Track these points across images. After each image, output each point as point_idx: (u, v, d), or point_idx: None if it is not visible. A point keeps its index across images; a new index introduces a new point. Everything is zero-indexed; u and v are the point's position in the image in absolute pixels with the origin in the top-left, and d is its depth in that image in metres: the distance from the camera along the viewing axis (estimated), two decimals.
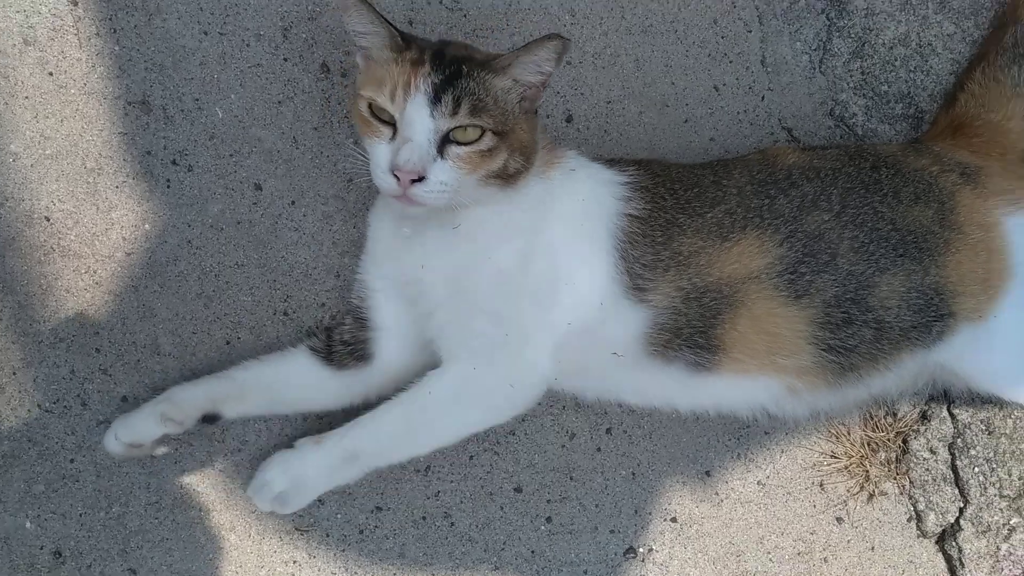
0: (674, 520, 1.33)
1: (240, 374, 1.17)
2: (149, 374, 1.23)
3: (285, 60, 1.25)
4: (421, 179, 0.98)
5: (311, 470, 1.10)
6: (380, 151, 1.01)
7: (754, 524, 1.34)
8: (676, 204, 1.12)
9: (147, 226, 1.23)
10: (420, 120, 0.98)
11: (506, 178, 1.05)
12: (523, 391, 1.10)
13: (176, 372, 1.23)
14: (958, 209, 1.14)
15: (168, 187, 1.23)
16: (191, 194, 1.23)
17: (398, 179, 0.98)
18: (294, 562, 1.25)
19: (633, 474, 1.32)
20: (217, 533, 1.24)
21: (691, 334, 1.09)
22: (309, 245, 1.26)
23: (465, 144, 1.00)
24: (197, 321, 1.24)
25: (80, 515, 1.21)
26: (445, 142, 0.99)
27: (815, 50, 1.35)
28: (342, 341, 1.19)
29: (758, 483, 1.35)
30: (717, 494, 1.34)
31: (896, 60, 1.36)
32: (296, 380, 1.18)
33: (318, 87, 1.25)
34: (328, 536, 1.26)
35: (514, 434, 1.30)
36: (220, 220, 1.24)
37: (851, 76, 1.36)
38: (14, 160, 1.19)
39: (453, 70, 1.00)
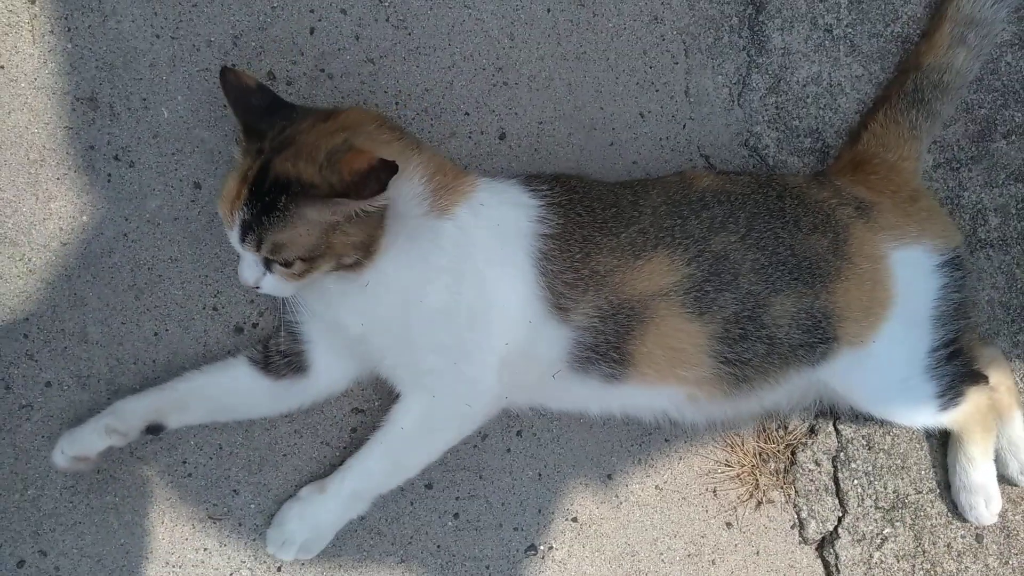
0: (575, 520, 1.41)
1: (182, 385, 1.23)
2: (75, 361, 1.27)
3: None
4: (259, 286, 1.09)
5: (324, 515, 1.23)
6: None
7: (649, 526, 1.44)
8: (593, 223, 1.21)
9: (85, 218, 1.28)
10: (238, 246, 1.08)
11: (349, 267, 1.11)
12: (479, 408, 1.21)
13: (102, 361, 1.28)
14: (851, 240, 1.25)
15: (109, 181, 1.29)
16: (131, 189, 1.29)
17: None
18: (204, 549, 1.29)
19: (539, 475, 1.41)
20: (131, 519, 1.28)
21: (607, 350, 1.18)
22: None
23: (282, 265, 1.07)
24: (127, 312, 1.29)
25: None
26: (269, 261, 1.08)
27: (735, 84, 1.48)
28: (279, 351, 1.25)
29: (656, 487, 1.44)
30: (617, 496, 1.43)
31: (808, 97, 1.49)
32: (237, 390, 1.25)
33: None
34: (240, 525, 1.30)
35: None
36: (157, 215, 1.30)
37: (766, 110, 1.49)
38: None
39: (267, 201, 1.03)
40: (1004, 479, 1.46)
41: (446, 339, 1.16)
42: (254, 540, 1.30)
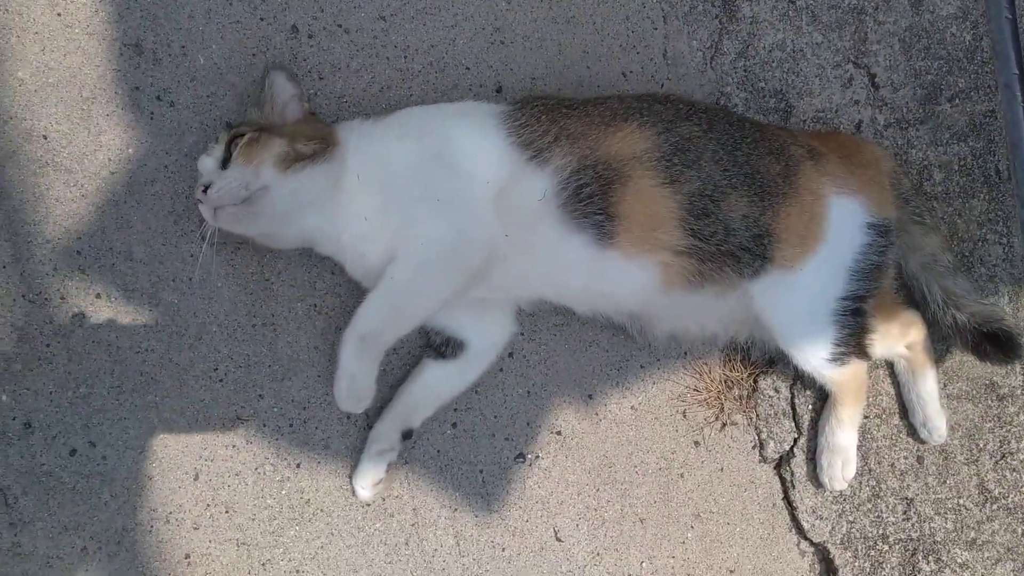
0: (559, 433, 1.59)
1: (404, 398, 1.48)
2: (121, 276, 1.44)
3: (261, 20, 1.49)
4: None
5: (347, 363, 1.28)
6: None
7: (625, 442, 1.61)
8: (559, 102, 1.39)
9: (131, 150, 1.45)
10: None
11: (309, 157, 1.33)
12: (470, 249, 1.30)
13: (145, 277, 1.44)
14: (799, 174, 1.39)
15: (151, 119, 1.45)
16: (171, 126, 1.46)
17: None
18: (233, 446, 1.47)
19: (528, 392, 1.58)
20: (169, 417, 1.45)
21: (591, 195, 1.30)
22: None
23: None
24: (167, 235, 1.46)
25: (51, 393, 1.40)
26: None
27: (708, 48, 1.64)
28: (441, 341, 1.49)
29: (632, 408, 1.62)
30: (597, 414, 1.61)
31: (773, 62, 1.66)
32: (439, 379, 1.50)
33: (287, 44, 1.50)
34: (265, 426, 1.48)
35: None
36: (194, 150, 1.46)
37: (736, 72, 1.65)
38: (20, 84, 1.41)
39: None
40: (912, 429, 1.64)
41: (434, 191, 1.31)
42: (276, 440, 1.48)
